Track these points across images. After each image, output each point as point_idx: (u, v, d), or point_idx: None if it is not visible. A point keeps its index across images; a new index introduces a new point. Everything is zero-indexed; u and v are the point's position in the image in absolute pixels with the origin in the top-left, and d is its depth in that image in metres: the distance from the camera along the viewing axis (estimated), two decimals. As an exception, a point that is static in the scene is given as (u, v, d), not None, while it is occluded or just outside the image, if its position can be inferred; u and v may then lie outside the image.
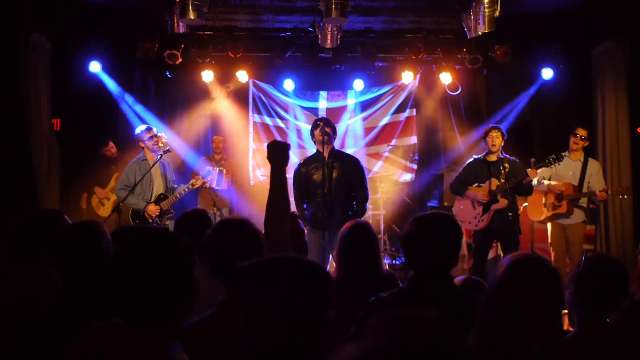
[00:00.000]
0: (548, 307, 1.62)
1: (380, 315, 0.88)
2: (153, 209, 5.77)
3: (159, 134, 5.92)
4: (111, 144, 7.18)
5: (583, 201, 5.89)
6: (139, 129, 5.99)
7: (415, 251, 2.28)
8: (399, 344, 0.81)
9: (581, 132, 5.87)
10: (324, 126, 5.08)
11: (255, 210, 7.79)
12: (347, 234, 3.02)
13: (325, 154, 5.07)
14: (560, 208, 5.82)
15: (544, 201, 5.97)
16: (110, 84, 7.58)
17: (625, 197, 5.86)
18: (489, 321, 1.61)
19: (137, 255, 1.69)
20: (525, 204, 6.35)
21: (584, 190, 5.81)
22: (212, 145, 7.72)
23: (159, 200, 5.84)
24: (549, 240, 6.03)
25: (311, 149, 5.39)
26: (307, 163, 5.24)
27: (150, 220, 5.79)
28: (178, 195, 5.90)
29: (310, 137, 5.34)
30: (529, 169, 5.42)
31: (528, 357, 1.56)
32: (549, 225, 6.03)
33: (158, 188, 5.90)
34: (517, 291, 1.63)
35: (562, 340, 1.65)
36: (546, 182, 5.90)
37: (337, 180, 5.01)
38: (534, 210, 6.09)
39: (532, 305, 1.60)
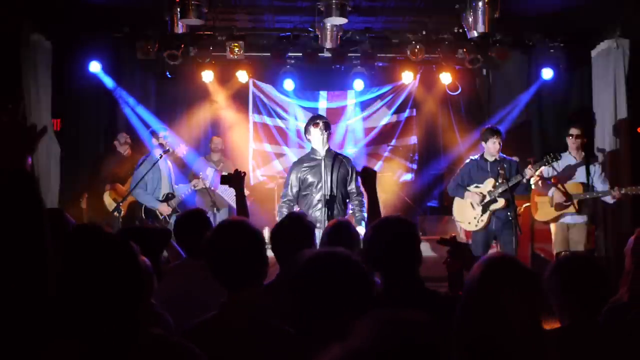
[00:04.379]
0: (526, 308, 1.62)
1: (365, 316, 0.88)
2: (166, 209, 5.94)
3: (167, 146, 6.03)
4: (124, 138, 7.18)
5: (591, 201, 5.89)
6: (147, 132, 6.17)
7: (375, 256, 2.29)
8: (382, 345, 0.81)
9: (573, 131, 5.91)
10: (323, 125, 5.07)
11: (256, 211, 7.80)
12: (329, 232, 3.08)
13: (323, 153, 5.06)
14: (569, 207, 5.80)
15: (550, 202, 5.94)
16: (110, 84, 7.59)
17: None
18: (468, 322, 1.61)
19: (85, 272, 1.63)
20: (527, 204, 6.34)
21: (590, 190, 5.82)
22: (210, 146, 7.72)
23: (167, 199, 6.01)
24: (553, 240, 6.03)
25: (311, 149, 5.35)
26: (303, 162, 5.19)
27: (161, 217, 6.09)
28: (183, 196, 6.08)
29: (304, 133, 5.30)
30: (527, 168, 5.43)
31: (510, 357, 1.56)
32: (552, 225, 6.03)
33: (164, 188, 6.07)
34: (495, 293, 1.63)
35: (542, 339, 1.65)
36: (552, 189, 5.90)
37: (334, 179, 4.99)
38: (541, 211, 6.06)
39: (510, 307, 1.60)
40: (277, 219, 5.02)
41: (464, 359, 1.56)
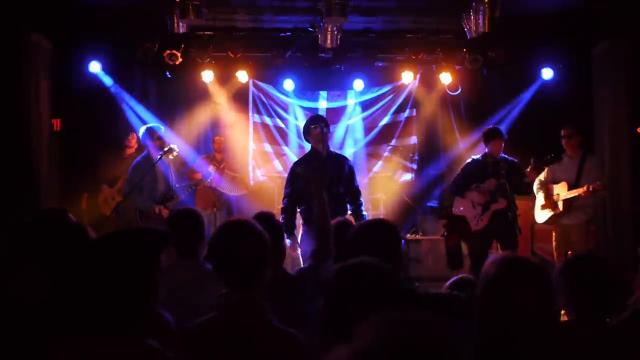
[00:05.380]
0: (539, 302, 1.67)
1: (372, 316, 0.88)
2: (163, 212, 5.78)
3: (167, 144, 5.86)
4: (134, 138, 7.11)
5: (587, 200, 5.88)
6: (142, 130, 5.99)
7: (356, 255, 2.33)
8: (389, 346, 0.81)
9: (565, 132, 5.92)
10: (324, 126, 5.08)
11: (256, 210, 7.78)
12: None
13: (323, 154, 5.06)
14: (557, 209, 5.82)
15: (544, 203, 5.98)
16: (110, 84, 7.58)
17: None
18: (485, 317, 1.64)
19: (97, 264, 1.70)
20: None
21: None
22: (213, 145, 7.72)
23: (164, 199, 5.83)
24: (554, 241, 6.04)
25: (311, 150, 5.35)
26: (304, 162, 5.19)
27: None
28: (182, 197, 5.97)
29: (303, 134, 5.30)
30: (528, 169, 5.44)
31: (524, 346, 1.60)
32: (552, 226, 6.04)
33: (162, 189, 5.92)
34: (510, 291, 1.68)
35: (554, 328, 1.70)
36: (540, 193, 5.94)
37: (334, 179, 4.99)
38: (538, 213, 6.10)
39: (525, 302, 1.65)
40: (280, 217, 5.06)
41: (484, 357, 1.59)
